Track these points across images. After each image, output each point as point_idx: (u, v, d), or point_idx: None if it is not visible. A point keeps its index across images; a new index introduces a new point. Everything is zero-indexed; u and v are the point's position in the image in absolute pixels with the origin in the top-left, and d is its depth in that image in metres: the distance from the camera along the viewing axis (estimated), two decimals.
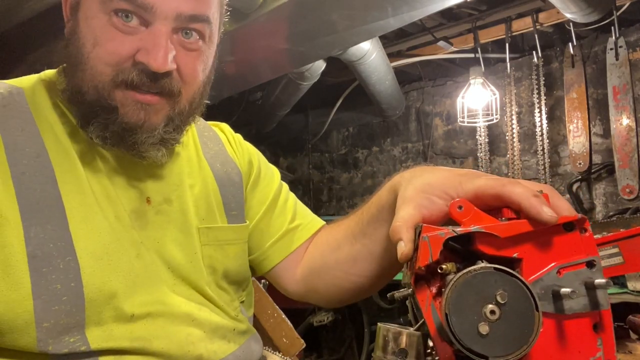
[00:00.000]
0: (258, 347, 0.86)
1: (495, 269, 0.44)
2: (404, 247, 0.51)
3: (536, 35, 2.89)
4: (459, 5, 2.67)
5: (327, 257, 0.83)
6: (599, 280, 0.46)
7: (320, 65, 3.25)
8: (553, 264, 0.47)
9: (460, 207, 0.50)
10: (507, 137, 3.26)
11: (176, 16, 0.66)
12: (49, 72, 0.75)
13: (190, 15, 0.67)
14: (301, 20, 2.32)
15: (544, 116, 3.06)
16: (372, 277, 0.77)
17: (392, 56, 3.38)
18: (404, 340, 0.49)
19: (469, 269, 0.44)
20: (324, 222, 0.92)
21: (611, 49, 2.80)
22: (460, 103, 3.16)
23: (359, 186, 4.36)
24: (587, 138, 2.98)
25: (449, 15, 3.01)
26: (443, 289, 0.45)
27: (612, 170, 2.91)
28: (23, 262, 0.61)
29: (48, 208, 0.64)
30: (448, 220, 0.54)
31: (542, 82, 3.06)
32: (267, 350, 1.72)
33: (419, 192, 0.56)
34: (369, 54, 2.99)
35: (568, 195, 3.09)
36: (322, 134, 4.48)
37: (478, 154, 3.35)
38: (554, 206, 0.49)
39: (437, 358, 0.47)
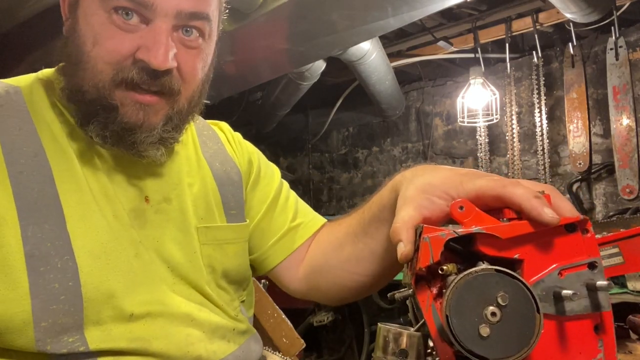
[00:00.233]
0: (258, 347, 0.86)
1: (496, 270, 0.44)
2: (403, 248, 0.51)
3: (536, 35, 2.89)
4: (459, 5, 2.67)
5: (330, 256, 0.83)
6: (601, 282, 0.46)
7: (320, 65, 3.25)
8: (554, 265, 0.47)
9: (461, 208, 0.50)
10: (507, 137, 3.26)
11: (176, 13, 0.66)
12: (47, 71, 0.75)
13: (191, 13, 0.67)
14: (301, 20, 2.32)
15: (544, 116, 3.06)
16: (374, 275, 0.77)
17: (392, 56, 3.38)
18: (404, 340, 0.48)
19: (470, 270, 0.44)
20: (325, 220, 0.92)
21: (611, 49, 2.80)
22: (460, 103, 3.16)
23: (359, 186, 4.36)
24: (587, 138, 2.98)
25: (449, 15, 3.01)
26: (444, 290, 0.45)
27: (612, 170, 2.91)
28: (20, 262, 0.61)
29: (45, 207, 0.64)
30: (449, 220, 0.54)
31: (542, 82, 3.06)
32: (267, 350, 1.72)
33: (419, 192, 0.56)
34: (369, 54, 2.99)
35: (568, 195, 3.09)
36: (322, 134, 4.48)
37: (478, 154, 3.35)
38: (555, 207, 0.49)
39: (437, 359, 0.47)
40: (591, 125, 3.02)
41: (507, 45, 3.01)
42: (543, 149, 3.07)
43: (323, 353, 3.63)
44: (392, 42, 3.34)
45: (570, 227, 0.48)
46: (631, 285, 1.68)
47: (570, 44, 2.94)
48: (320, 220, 0.91)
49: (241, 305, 0.85)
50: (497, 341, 0.42)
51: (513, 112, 3.22)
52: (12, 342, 0.61)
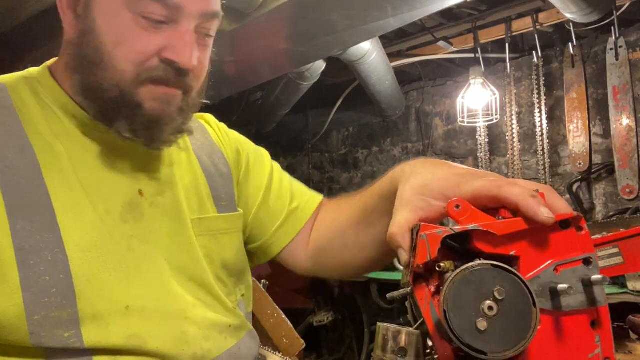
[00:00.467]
0: (254, 343, 0.85)
1: (492, 265, 0.44)
2: (405, 255, 0.52)
3: (536, 35, 2.89)
4: (459, 5, 2.67)
5: (334, 241, 0.85)
6: (596, 277, 0.46)
7: (320, 65, 3.25)
8: (550, 262, 0.48)
9: (457, 207, 0.51)
10: (507, 137, 3.26)
11: (200, 14, 0.68)
12: (33, 70, 0.75)
13: (211, 13, 0.70)
14: (301, 20, 2.32)
15: (544, 116, 3.05)
16: (378, 257, 0.81)
17: (392, 56, 3.38)
18: (403, 339, 0.48)
19: (467, 265, 0.45)
20: (322, 197, 0.94)
21: (611, 49, 2.80)
22: (460, 103, 3.16)
23: (359, 186, 4.35)
24: (587, 138, 2.98)
25: (449, 15, 3.01)
26: (441, 287, 0.45)
27: (612, 170, 2.91)
28: (10, 255, 0.61)
29: (34, 201, 0.64)
30: (445, 220, 0.54)
31: (542, 82, 3.06)
32: (267, 350, 1.72)
33: (416, 194, 0.56)
34: (369, 54, 2.99)
35: (568, 195, 3.09)
36: (322, 134, 4.48)
37: (478, 154, 3.35)
38: (550, 205, 0.50)
39: (436, 357, 0.47)
40: (591, 125, 3.02)
41: (507, 45, 3.01)
42: (543, 149, 3.07)
43: (323, 353, 3.64)
44: (392, 42, 3.34)
45: (564, 224, 0.49)
46: (631, 285, 1.68)
47: (570, 44, 2.94)
48: (318, 197, 0.93)
49: (240, 300, 0.85)
50: (495, 335, 0.42)
51: (513, 112, 3.22)
52: (7, 337, 0.61)
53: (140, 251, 0.71)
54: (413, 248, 0.50)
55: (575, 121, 3.02)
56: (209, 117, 0.94)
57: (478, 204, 0.52)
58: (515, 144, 3.21)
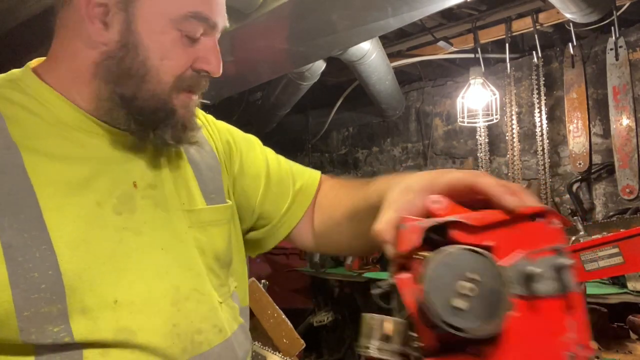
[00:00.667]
0: (246, 337, 0.85)
1: (468, 249, 0.47)
2: (390, 249, 0.55)
3: (536, 36, 2.89)
4: (459, 6, 2.67)
5: (332, 229, 0.91)
6: (564, 260, 0.49)
7: (320, 65, 3.25)
8: (523, 251, 0.50)
9: (435, 202, 0.54)
10: (507, 137, 3.26)
11: (221, 28, 0.77)
12: (15, 71, 0.76)
13: (225, 27, 0.78)
14: (301, 20, 2.32)
15: (544, 116, 3.05)
16: (372, 248, 0.88)
17: (392, 56, 3.38)
18: (387, 327, 0.50)
19: (444, 248, 0.48)
20: (319, 173, 0.99)
21: (611, 49, 2.80)
22: (460, 103, 3.16)
23: None
24: (587, 138, 2.98)
25: (449, 15, 3.01)
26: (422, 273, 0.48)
27: (612, 170, 2.91)
28: None
29: (20, 199, 0.64)
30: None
31: (542, 82, 3.06)
32: (267, 351, 1.72)
33: (400, 195, 0.60)
34: (369, 54, 2.99)
35: (568, 195, 3.09)
36: (322, 134, 4.48)
37: (478, 154, 3.35)
38: (522, 200, 0.53)
39: (420, 344, 0.49)
40: (591, 125, 3.02)
41: (507, 45, 3.01)
42: (543, 149, 3.07)
43: (323, 353, 3.64)
44: (392, 42, 3.34)
45: (536, 216, 0.52)
46: (631, 285, 1.67)
47: (570, 44, 2.94)
48: (316, 174, 0.99)
49: (234, 293, 0.85)
50: (471, 314, 0.45)
51: (513, 112, 3.22)
52: None
53: (133, 243, 0.71)
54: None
55: (575, 121, 3.02)
56: (197, 110, 0.94)
57: (456, 195, 0.56)
58: (515, 144, 3.21)
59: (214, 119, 0.95)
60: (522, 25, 2.91)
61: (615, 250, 0.90)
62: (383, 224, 0.57)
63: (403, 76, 3.79)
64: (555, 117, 3.17)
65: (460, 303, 0.45)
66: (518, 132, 3.21)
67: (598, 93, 3.00)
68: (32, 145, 0.68)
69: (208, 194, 0.84)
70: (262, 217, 0.92)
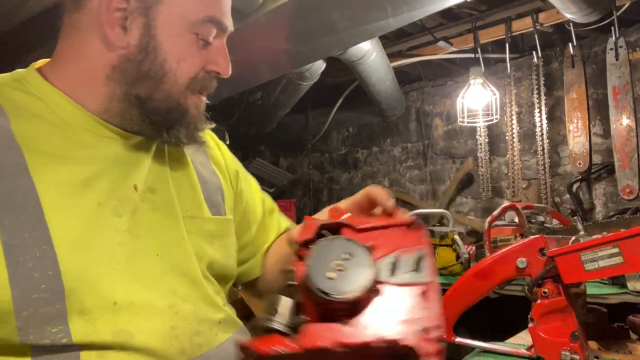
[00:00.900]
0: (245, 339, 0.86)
1: (345, 238, 0.62)
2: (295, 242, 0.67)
3: (536, 36, 2.89)
4: (459, 5, 2.67)
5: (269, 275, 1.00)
6: (424, 258, 0.63)
7: (320, 65, 3.25)
8: (394, 249, 0.64)
9: (336, 211, 0.72)
10: (507, 137, 3.26)
11: (229, 31, 0.81)
12: (20, 71, 0.77)
13: (231, 30, 0.81)
14: (301, 20, 2.32)
15: (544, 116, 3.05)
16: None
17: (392, 56, 3.38)
18: (278, 302, 0.61)
19: (327, 237, 0.63)
20: (288, 224, 1.05)
21: (611, 49, 2.81)
22: (460, 103, 3.16)
23: (359, 186, 4.35)
24: (587, 138, 2.98)
25: (449, 15, 3.01)
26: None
27: (612, 170, 2.91)
28: None
29: (22, 198, 0.64)
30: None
31: (542, 82, 3.06)
32: None
33: (321, 212, 0.77)
34: (369, 54, 2.99)
35: (568, 195, 3.09)
36: (322, 134, 4.48)
37: (478, 154, 3.35)
38: (400, 213, 0.71)
39: (305, 317, 0.59)
40: (591, 125, 3.02)
41: (507, 45, 3.01)
42: (543, 149, 3.07)
43: None
44: (392, 42, 3.34)
45: (408, 225, 0.68)
46: (631, 285, 1.67)
47: (570, 44, 2.94)
48: (283, 226, 1.04)
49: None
50: (338, 283, 0.58)
51: (513, 112, 3.22)
52: None
53: (132, 246, 0.71)
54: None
55: (575, 121, 3.02)
56: (209, 132, 0.97)
57: (366, 208, 0.77)
58: (515, 144, 3.21)
59: (225, 147, 1.00)
60: (522, 25, 2.91)
61: (615, 250, 0.90)
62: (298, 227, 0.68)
63: (403, 76, 3.79)
64: (555, 117, 3.18)
65: (332, 275, 0.58)
66: (518, 132, 3.21)
67: (598, 93, 3.00)
68: (35, 145, 0.68)
69: (211, 207, 0.85)
70: (244, 256, 0.97)
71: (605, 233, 0.95)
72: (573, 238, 1.01)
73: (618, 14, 2.61)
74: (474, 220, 3.55)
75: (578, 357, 0.92)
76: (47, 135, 0.70)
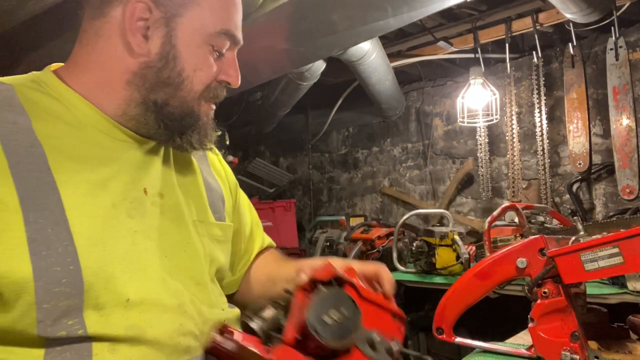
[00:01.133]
0: None
1: (349, 297, 0.72)
2: (307, 274, 0.74)
3: (536, 36, 2.89)
4: (459, 6, 2.67)
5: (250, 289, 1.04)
6: (395, 347, 0.75)
7: (320, 66, 3.25)
8: (376, 328, 0.74)
9: (350, 270, 0.79)
10: (507, 137, 3.26)
11: (240, 44, 0.85)
12: (37, 73, 0.80)
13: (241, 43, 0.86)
14: (301, 20, 2.32)
15: (544, 116, 3.05)
16: None
17: (392, 56, 3.39)
18: (268, 312, 0.69)
19: (337, 288, 0.73)
20: (268, 242, 1.11)
21: (611, 49, 2.81)
22: (460, 103, 3.16)
23: (359, 186, 4.36)
24: (587, 138, 2.98)
25: (449, 15, 3.01)
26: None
27: (612, 170, 2.91)
28: (23, 246, 0.64)
29: (44, 195, 0.67)
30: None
31: (542, 82, 3.06)
32: None
33: (336, 260, 0.82)
34: (369, 54, 2.99)
35: (568, 195, 3.09)
36: (322, 134, 4.48)
37: (478, 154, 3.35)
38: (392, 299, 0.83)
39: (281, 336, 0.67)
40: (591, 126, 3.02)
41: (507, 45, 3.01)
42: (543, 149, 3.07)
43: None
44: (392, 42, 3.34)
45: (395, 315, 0.81)
46: (631, 285, 1.67)
47: (570, 44, 2.94)
48: (265, 243, 1.11)
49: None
50: (329, 329, 0.67)
51: (513, 112, 3.23)
52: (15, 325, 0.64)
53: (143, 246, 0.74)
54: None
55: (575, 121, 3.02)
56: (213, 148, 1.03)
57: (366, 277, 0.84)
58: (515, 144, 3.21)
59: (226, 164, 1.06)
60: (522, 25, 2.91)
61: (615, 250, 0.90)
62: (318, 261, 0.76)
63: (403, 76, 3.79)
64: (555, 117, 3.18)
65: (327, 319, 0.68)
66: (518, 132, 3.21)
67: (598, 93, 3.00)
68: (55, 145, 0.71)
69: (214, 211, 0.90)
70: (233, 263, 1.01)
71: (605, 233, 0.94)
72: (573, 238, 1.01)
73: (618, 14, 2.61)
74: (474, 221, 3.56)
75: (578, 357, 0.92)
76: (66, 136, 0.73)
